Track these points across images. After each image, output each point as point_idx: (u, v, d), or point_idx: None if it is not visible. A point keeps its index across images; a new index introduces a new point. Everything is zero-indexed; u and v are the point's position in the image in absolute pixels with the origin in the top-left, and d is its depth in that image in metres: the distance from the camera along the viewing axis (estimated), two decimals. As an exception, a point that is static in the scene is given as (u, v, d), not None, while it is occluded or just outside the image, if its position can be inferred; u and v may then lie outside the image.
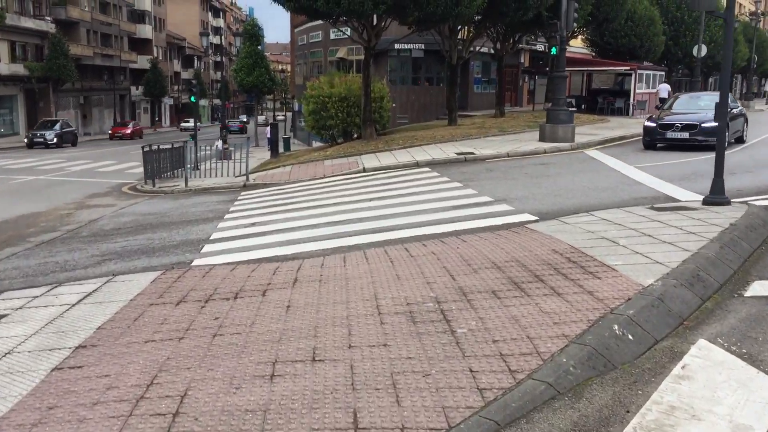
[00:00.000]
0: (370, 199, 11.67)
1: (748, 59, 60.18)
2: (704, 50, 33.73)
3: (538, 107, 37.50)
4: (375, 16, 19.91)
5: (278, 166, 20.01)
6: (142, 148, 19.48)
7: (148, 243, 9.46)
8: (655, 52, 39.11)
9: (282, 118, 73.34)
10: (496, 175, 13.66)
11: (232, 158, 22.07)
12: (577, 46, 42.48)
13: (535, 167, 14.71)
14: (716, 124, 17.65)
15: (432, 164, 16.36)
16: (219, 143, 31.68)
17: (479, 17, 24.50)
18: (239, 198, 14.39)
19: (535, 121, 26.20)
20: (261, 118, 70.14)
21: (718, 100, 19.42)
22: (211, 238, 9.40)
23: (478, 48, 29.14)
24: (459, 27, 24.89)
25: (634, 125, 26.29)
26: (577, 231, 7.21)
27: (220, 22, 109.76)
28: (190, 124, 67.41)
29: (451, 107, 25.37)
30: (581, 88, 41.06)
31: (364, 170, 16.42)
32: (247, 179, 17.10)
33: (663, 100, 38.87)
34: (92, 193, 17.99)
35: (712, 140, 17.16)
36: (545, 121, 19.24)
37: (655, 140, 17.59)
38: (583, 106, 36.52)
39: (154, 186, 18.18)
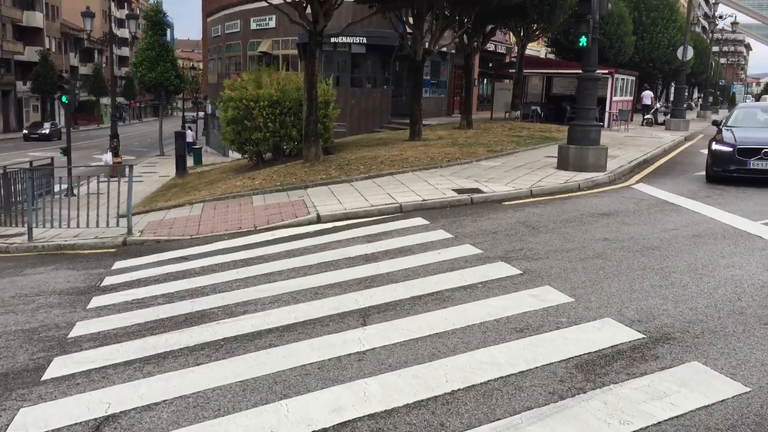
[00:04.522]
0: (364, 322, 5.67)
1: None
2: (690, 52, 29.43)
3: (497, 115, 32.36)
4: (325, -13, 13.90)
5: (183, 203, 13.63)
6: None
7: None
8: (625, 53, 34.66)
9: (200, 116, 64.47)
10: (558, 244, 7.94)
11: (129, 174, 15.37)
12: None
13: (603, 222, 9.12)
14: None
15: (424, 210, 10.54)
16: (107, 156, 24.84)
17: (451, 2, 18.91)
18: (107, 280, 8.08)
19: (517, 135, 20.98)
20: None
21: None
22: None
23: (444, 44, 23.57)
24: (428, 12, 19.16)
25: (633, 141, 21.41)
26: None
27: (125, 14, 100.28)
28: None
29: (416, 117, 19.62)
30: (541, 94, 36.13)
31: (319, 219, 10.42)
32: (129, 232, 10.70)
33: (647, 108, 34.64)
34: None
35: (817, 174, 12.16)
36: (566, 141, 13.75)
37: (728, 171, 12.41)
38: (542, 114, 31.64)
39: (-18, 237, 11.55)
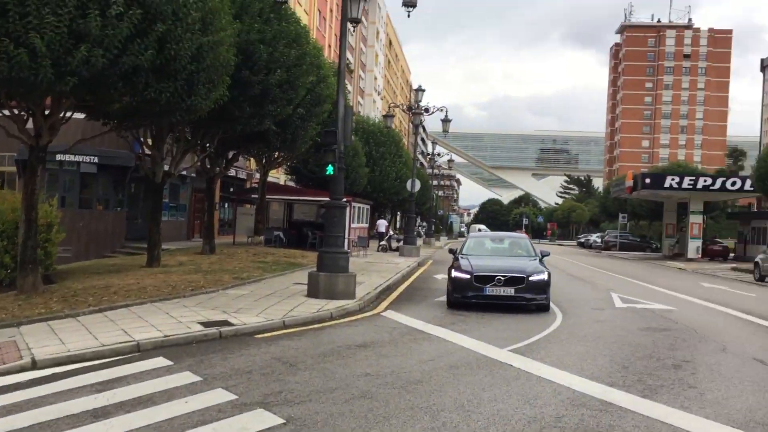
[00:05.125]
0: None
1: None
2: (418, 185, 32.06)
3: (240, 240, 31.79)
4: (51, 99, 12.50)
5: None
6: None
7: None
8: (360, 184, 36.81)
9: None
10: (320, 383, 7.37)
11: None
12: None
13: (362, 354, 8.79)
14: (546, 277, 14.06)
15: (167, 348, 9.33)
16: None
17: (194, 125, 18.39)
18: None
19: (262, 261, 20.58)
20: None
21: (523, 243, 16.04)
22: None
23: (185, 167, 22.69)
24: (169, 133, 18.34)
25: (374, 267, 22.20)
26: None
27: None
28: None
29: (155, 241, 18.22)
30: (283, 220, 36.52)
31: (34, 365, 8.64)
32: None
33: (381, 235, 36.50)
34: None
35: (541, 298, 13.28)
36: (316, 268, 13.54)
37: (468, 297, 13.10)
38: (285, 240, 31.89)
39: None
